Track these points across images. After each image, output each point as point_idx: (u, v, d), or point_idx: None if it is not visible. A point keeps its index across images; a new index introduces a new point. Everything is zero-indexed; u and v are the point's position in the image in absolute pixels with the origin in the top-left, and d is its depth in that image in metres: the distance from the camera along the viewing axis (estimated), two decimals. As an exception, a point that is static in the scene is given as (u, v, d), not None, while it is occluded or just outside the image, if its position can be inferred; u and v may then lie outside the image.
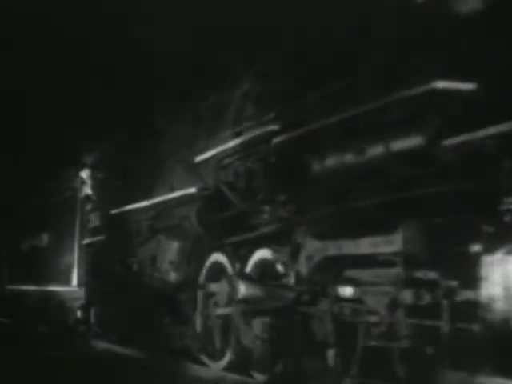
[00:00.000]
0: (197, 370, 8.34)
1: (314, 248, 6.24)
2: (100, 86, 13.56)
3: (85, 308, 12.47)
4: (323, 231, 6.15)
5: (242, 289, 7.15)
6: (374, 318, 5.36)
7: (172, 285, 9.52)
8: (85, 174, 11.94)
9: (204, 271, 8.77)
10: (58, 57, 13.32)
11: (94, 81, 13.77)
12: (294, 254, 6.50)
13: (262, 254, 7.45)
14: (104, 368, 8.98)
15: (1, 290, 20.20)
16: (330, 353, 6.02)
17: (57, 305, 14.75)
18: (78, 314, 13.26)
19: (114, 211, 10.93)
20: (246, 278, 7.43)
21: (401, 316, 5.06)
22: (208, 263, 8.72)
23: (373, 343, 5.36)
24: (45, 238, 15.05)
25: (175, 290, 9.47)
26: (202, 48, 11.27)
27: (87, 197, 12.00)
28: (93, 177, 11.78)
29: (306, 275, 6.32)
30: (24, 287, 17.18)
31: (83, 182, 12.12)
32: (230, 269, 8.10)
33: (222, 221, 7.97)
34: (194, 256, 9.09)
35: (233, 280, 7.34)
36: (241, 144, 7.31)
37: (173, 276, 9.55)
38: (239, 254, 7.93)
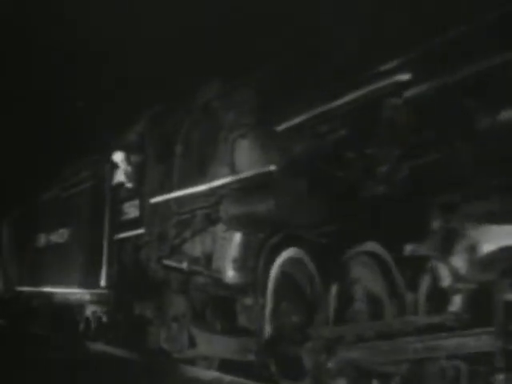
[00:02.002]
0: (194, 372, 8.26)
1: (480, 234, 4.53)
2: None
3: (113, 313, 10.73)
4: (495, 210, 4.45)
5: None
6: None
7: (232, 288, 7.83)
8: (117, 157, 10.17)
9: (273, 272, 7.09)
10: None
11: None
12: (446, 245, 4.77)
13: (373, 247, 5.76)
14: (101, 370, 8.92)
15: (7, 292, 18.44)
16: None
17: (78, 308, 13.04)
18: (104, 318, 11.56)
19: (155, 200, 9.19)
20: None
21: None
22: (280, 261, 7.05)
23: None
24: (64, 234, 13.27)
25: (236, 294, 7.78)
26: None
27: (120, 184, 10.23)
28: (127, 160, 10.02)
29: (468, 274, 4.60)
30: (37, 289, 15.41)
31: (115, 168, 10.35)
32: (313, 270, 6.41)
33: (319, 203, 6.26)
34: (263, 253, 7.39)
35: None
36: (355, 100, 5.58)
37: (234, 277, 7.85)
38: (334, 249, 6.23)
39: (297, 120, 6.44)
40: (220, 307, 8.27)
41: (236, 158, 7.56)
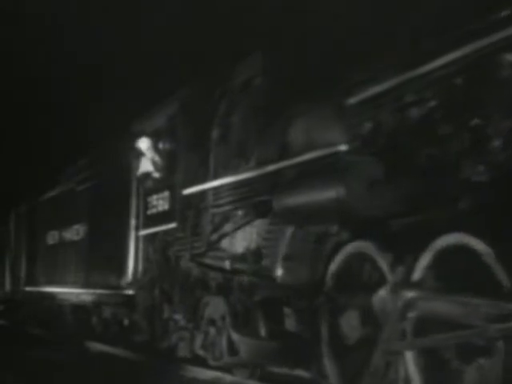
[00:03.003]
0: (194, 371, 8.10)
1: None
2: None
3: (138, 316, 9.77)
4: None
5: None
6: None
7: (284, 288, 6.89)
8: (143, 144, 9.19)
9: (332, 270, 6.12)
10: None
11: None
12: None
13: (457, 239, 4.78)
14: (101, 369, 8.78)
15: (15, 292, 17.49)
16: None
17: (95, 310, 12.08)
18: (126, 322, 10.62)
19: (188, 191, 8.23)
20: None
21: None
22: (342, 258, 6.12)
23: None
24: (80, 230, 12.29)
25: (288, 295, 6.85)
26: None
27: (146, 174, 9.25)
28: (155, 148, 9.04)
29: None
30: (48, 289, 14.46)
31: (140, 156, 9.37)
32: (385, 267, 5.46)
33: (399, 189, 5.30)
34: (321, 248, 6.46)
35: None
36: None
37: (285, 276, 6.91)
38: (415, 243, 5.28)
39: (372, 91, 5.49)
40: (266, 310, 7.33)
41: (290, 140, 6.59)
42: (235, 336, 7.74)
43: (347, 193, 5.56)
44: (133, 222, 9.97)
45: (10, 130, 16.42)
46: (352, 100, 5.68)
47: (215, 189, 7.69)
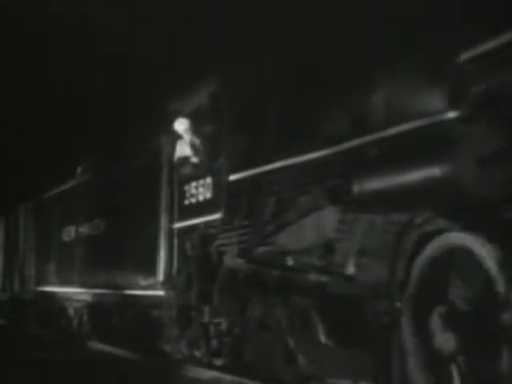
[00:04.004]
0: (194, 371, 8.10)
1: None
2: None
3: (173, 318, 8.72)
4: None
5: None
6: None
7: (359, 287, 5.87)
8: (180, 126, 8.15)
9: (418, 266, 5.13)
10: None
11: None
12: None
13: None
14: (101, 370, 8.75)
15: (24, 292, 16.41)
16: None
17: (116, 312, 11.04)
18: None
19: (236, 176, 7.18)
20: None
21: None
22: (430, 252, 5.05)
23: None
24: (100, 225, 11.23)
25: (363, 296, 5.83)
26: None
27: (183, 159, 8.19)
28: (195, 129, 7.99)
29: None
30: (62, 289, 13.41)
31: (176, 139, 8.32)
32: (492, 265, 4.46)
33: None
34: (407, 240, 5.43)
35: None
36: None
37: (360, 273, 5.89)
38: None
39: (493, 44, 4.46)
40: (333, 313, 6.29)
41: (370, 111, 5.55)
42: (293, 343, 6.74)
43: (455, 170, 4.54)
44: (164, 213, 8.91)
45: (17, 119, 15.40)
46: (462, 56, 4.65)
47: (272, 172, 6.64)
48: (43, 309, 15.24)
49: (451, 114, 4.73)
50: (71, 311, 13.51)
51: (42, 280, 14.91)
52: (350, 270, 5.98)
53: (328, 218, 6.12)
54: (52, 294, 14.38)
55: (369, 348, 5.75)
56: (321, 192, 6.06)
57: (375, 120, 5.52)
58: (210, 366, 8.12)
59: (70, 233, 12.84)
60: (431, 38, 5.00)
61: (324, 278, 6.19)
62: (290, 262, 6.55)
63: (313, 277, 6.31)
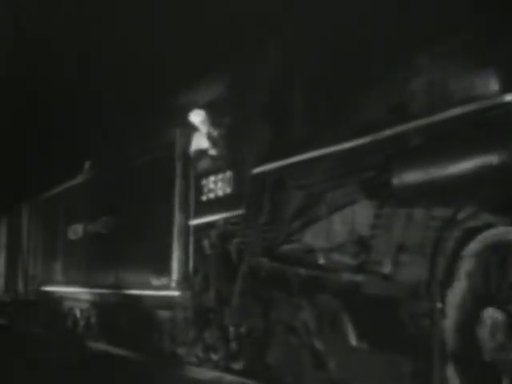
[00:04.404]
0: (194, 371, 8.08)
1: None
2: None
3: (191, 321, 8.28)
4: None
5: None
6: None
7: (397, 287, 5.45)
8: (196, 117, 7.71)
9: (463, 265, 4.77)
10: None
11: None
12: None
13: None
14: (101, 369, 8.71)
15: (29, 293, 15.97)
16: None
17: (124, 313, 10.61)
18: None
19: (260, 169, 6.74)
20: None
21: None
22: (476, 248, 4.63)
23: None
24: (109, 222, 10.78)
25: (402, 296, 5.41)
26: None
27: (200, 153, 7.75)
28: (212, 120, 7.55)
29: None
30: (69, 289, 12.97)
31: (192, 132, 7.88)
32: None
33: None
34: (450, 236, 5.02)
35: None
36: None
37: (399, 272, 5.47)
38: None
39: None
40: (367, 314, 5.86)
41: (415, 93, 5.11)
42: (322, 347, 6.31)
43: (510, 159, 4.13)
44: (178, 210, 8.47)
45: (22, 115, 14.98)
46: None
47: (299, 165, 6.20)
48: (48, 309, 14.79)
49: (508, 97, 4.30)
50: (78, 312, 13.07)
51: (47, 280, 14.46)
52: (387, 268, 5.56)
53: (363, 213, 5.70)
54: (58, 294, 13.94)
55: (406, 352, 5.36)
56: (355, 185, 5.62)
57: (418, 105, 5.09)
58: (229, 371, 7.72)
59: (76, 231, 12.39)
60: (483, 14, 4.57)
61: (358, 278, 5.76)
62: (319, 260, 6.12)
63: (345, 276, 5.88)
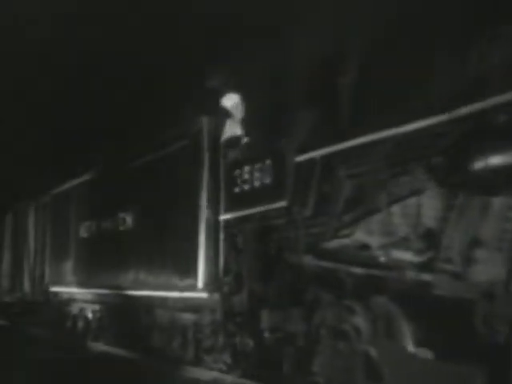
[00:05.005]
0: (194, 372, 8.06)
1: None
2: None
3: (222, 325, 7.60)
4: None
5: None
6: None
7: (473, 288, 4.80)
8: (229, 101, 7.05)
9: None
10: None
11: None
12: None
13: None
14: (102, 370, 8.72)
15: (36, 294, 15.29)
16: None
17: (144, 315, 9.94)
18: (197, 332, 8.51)
19: (307, 156, 6.06)
20: None
21: None
22: None
23: None
24: (127, 219, 10.11)
25: (478, 298, 4.75)
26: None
27: (233, 140, 7.08)
28: (247, 105, 6.88)
29: None
30: (80, 290, 12.30)
31: (224, 118, 7.21)
32: None
33: None
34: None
35: None
36: None
37: (474, 270, 4.82)
38: None
39: None
40: (431, 318, 5.20)
41: (496, 67, 4.45)
42: (378, 353, 5.65)
43: None
44: (206, 204, 7.79)
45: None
46: None
47: (351, 151, 5.53)
48: (57, 311, 14.10)
49: None
50: (90, 314, 12.39)
51: (56, 280, 13.77)
52: (458, 266, 4.90)
53: (430, 204, 5.02)
54: (68, 295, 13.26)
55: (479, 362, 4.71)
56: (422, 171, 4.95)
57: (500, 80, 4.43)
58: (263, 380, 7.10)
59: (89, 229, 11.70)
60: None
61: (423, 277, 5.10)
62: (376, 257, 5.45)
63: (408, 275, 5.22)
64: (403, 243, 5.23)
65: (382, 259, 5.40)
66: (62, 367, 9.18)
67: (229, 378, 7.30)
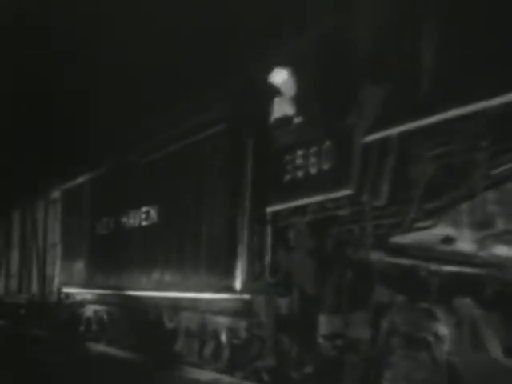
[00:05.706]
0: (193, 373, 8.02)
1: None
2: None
3: (271, 333, 6.77)
4: None
5: None
6: None
7: None
8: (278, 78, 6.23)
9: None
10: None
11: None
12: None
13: None
14: (101, 370, 8.66)
15: (46, 295, 14.46)
16: None
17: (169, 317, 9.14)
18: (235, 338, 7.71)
19: (374, 138, 5.23)
20: None
21: None
22: None
23: None
24: (151, 213, 9.28)
25: None
26: None
27: (283, 121, 6.26)
28: (299, 81, 6.06)
29: None
30: (97, 291, 11.49)
31: (272, 95, 6.39)
32: None
33: None
34: None
35: None
36: None
37: None
38: None
39: None
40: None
41: None
42: (462, 365, 4.84)
43: None
44: (249, 194, 6.97)
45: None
46: None
47: (438, 126, 4.69)
48: (69, 313, 13.29)
49: None
50: (106, 316, 11.58)
51: (68, 280, 12.94)
52: None
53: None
54: (81, 296, 12.44)
55: None
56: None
57: None
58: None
59: (107, 225, 10.87)
60: None
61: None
62: (467, 253, 4.63)
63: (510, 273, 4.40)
64: (504, 236, 4.40)
65: (477, 255, 4.58)
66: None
67: (227, 378, 7.23)
